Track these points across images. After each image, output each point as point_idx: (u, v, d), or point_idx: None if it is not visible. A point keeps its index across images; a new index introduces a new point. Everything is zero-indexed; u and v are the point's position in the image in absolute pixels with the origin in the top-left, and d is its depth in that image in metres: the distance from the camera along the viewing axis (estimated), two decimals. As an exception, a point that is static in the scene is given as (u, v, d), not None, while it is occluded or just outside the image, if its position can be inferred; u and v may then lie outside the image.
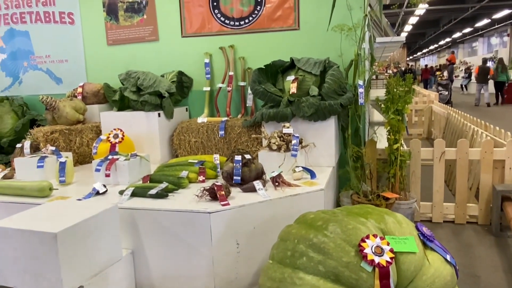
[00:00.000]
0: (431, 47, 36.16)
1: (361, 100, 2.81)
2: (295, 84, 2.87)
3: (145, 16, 3.64)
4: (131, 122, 3.24)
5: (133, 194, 2.31)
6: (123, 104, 3.42)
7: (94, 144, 3.02)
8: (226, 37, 3.47)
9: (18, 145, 3.12)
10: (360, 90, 2.80)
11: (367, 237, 1.48)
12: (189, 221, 2.07)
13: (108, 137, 2.99)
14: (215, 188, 2.17)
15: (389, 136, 2.99)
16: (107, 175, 2.57)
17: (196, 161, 2.79)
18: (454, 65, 17.92)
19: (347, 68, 3.11)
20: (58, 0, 3.85)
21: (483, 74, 13.22)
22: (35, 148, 3.08)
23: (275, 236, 2.21)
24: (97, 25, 3.77)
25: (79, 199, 2.31)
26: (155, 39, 3.65)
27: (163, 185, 2.35)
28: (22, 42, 4.05)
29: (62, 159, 2.64)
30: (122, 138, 3.00)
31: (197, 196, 2.20)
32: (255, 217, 2.17)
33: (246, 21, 3.40)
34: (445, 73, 13.68)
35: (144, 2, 3.62)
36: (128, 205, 2.18)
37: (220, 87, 3.48)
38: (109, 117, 3.33)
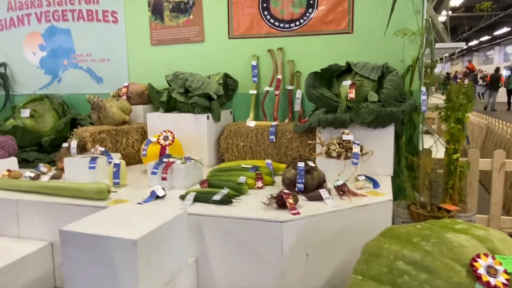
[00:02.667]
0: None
1: (424, 108, 2.71)
2: (353, 89, 2.78)
3: (191, 17, 3.58)
4: (178, 124, 3.17)
5: (195, 199, 2.23)
6: (169, 106, 3.36)
7: (143, 146, 2.95)
8: (275, 39, 3.39)
9: (65, 145, 3.06)
10: (423, 97, 2.70)
11: (478, 256, 1.38)
12: (259, 230, 1.99)
13: (158, 139, 2.92)
14: (284, 196, 2.09)
15: (448, 146, 2.88)
16: (164, 179, 2.50)
17: (249, 166, 2.71)
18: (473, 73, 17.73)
19: (404, 73, 3.01)
20: (102, -2, 3.81)
21: (494, 82, 13.99)
22: (81, 148, 3.03)
23: (345, 248, 2.13)
24: (141, 25, 3.72)
25: (139, 203, 2.24)
26: (201, 40, 3.59)
27: (225, 190, 2.27)
28: (63, 40, 4.01)
29: (117, 161, 2.57)
30: (172, 141, 2.93)
31: (264, 203, 2.12)
32: (325, 227, 2.08)
33: (297, 23, 3.32)
34: (466, 82, 13.65)
35: (191, 2, 3.55)
36: (193, 211, 2.10)
37: (268, 91, 3.39)
38: (155, 118, 3.26)
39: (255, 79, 3.44)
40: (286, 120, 3.37)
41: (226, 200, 2.18)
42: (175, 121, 3.19)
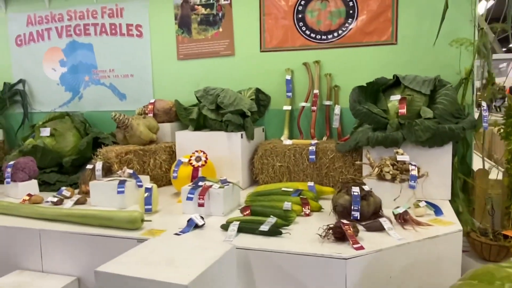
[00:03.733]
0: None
1: (485, 124, 2.46)
2: (404, 105, 2.54)
3: (220, 29, 3.38)
4: (209, 143, 2.94)
5: (239, 230, 1.98)
6: (198, 123, 3.13)
7: (173, 168, 2.73)
8: (311, 52, 3.18)
9: (89, 166, 2.85)
10: (485, 113, 2.45)
11: None
12: (318, 267, 1.73)
13: (190, 160, 2.69)
14: (343, 227, 1.83)
15: (509, 166, 2.61)
16: (201, 205, 2.26)
17: (291, 189, 2.47)
18: (490, 86, 17.41)
19: (456, 87, 2.77)
20: (126, 12, 3.64)
21: None
22: (106, 170, 2.81)
23: (413, 287, 1.86)
24: (168, 39, 3.53)
25: (177, 233, 2.00)
26: (231, 53, 3.39)
27: (272, 219, 2.02)
28: (85, 55, 3.84)
29: (148, 185, 2.34)
30: (205, 162, 2.70)
31: (320, 235, 1.86)
32: (391, 263, 1.82)
33: (335, 34, 3.11)
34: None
35: (220, 15, 3.36)
36: (239, 244, 1.85)
37: (303, 106, 3.17)
38: (184, 137, 3.04)
39: (290, 94, 3.22)
40: (324, 138, 3.13)
41: (275, 231, 1.93)
42: (206, 140, 2.96)
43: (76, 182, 3.10)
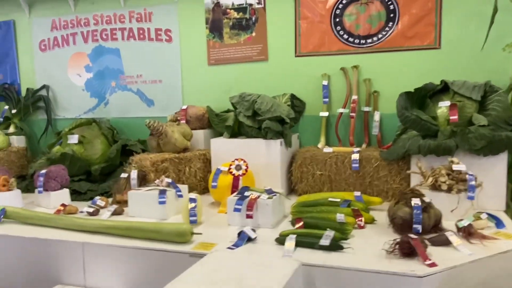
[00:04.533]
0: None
1: (542, 132, 2.35)
2: (455, 111, 2.44)
3: (253, 34, 3.30)
4: (246, 151, 2.84)
5: (296, 244, 1.87)
6: (233, 130, 3.04)
7: (212, 176, 2.63)
8: (349, 56, 3.09)
9: (123, 175, 2.75)
10: (543, 120, 2.35)
11: None
12: (389, 286, 1.62)
13: (229, 169, 2.59)
14: (413, 242, 1.72)
15: None
16: (249, 216, 2.15)
17: (338, 200, 2.36)
18: None
19: (506, 92, 2.66)
20: (155, 16, 3.56)
21: None
22: (141, 179, 2.71)
23: (488, 306, 1.74)
24: (198, 43, 3.45)
25: (230, 248, 1.90)
26: (264, 58, 3.29)
27: (330, 233, 1.90)
28: (111, 60, 3.76)
29: (192, 195, 2.24)
30: (246, 170, 2.60)
31: (387, 251, 1.76)
32: (463, 281, 1.70)
33: (374, 38, 3.01)
34: None
35: (253, 19, 3.28)
36: (297, 259, 1.74)
37: (341, 113, 3.07)
38: (220, 144, 2.94)
39: (326, 100, 3.12)
40: (363, 146, 3.02)
41: (337, 245, 1.82)
42: (242, 148, 2.86)
43: (107, 191, 3.01)
